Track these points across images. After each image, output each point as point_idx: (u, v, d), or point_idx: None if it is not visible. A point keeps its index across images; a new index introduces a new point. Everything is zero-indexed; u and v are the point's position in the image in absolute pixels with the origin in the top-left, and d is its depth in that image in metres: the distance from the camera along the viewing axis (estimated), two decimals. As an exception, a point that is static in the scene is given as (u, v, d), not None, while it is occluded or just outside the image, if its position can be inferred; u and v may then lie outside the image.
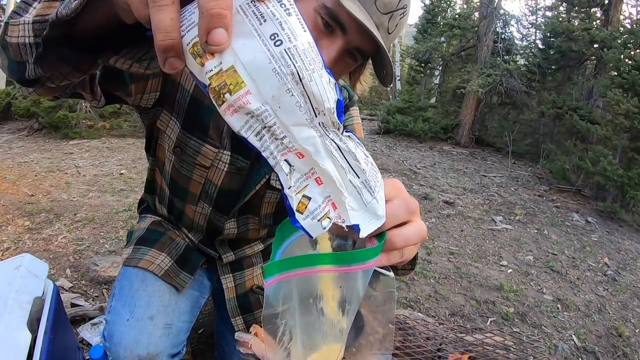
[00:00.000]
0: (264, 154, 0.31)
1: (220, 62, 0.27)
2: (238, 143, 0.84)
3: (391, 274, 0.45)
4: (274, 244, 0.39)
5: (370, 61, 0.75)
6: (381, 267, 0.42)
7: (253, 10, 0.27)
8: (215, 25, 0.26)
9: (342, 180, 0.34)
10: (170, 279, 0.98)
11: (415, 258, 0.56)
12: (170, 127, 0.85)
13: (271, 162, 0.32)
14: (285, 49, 0.27)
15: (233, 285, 1.10)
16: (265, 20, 0.27)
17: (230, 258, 1.07)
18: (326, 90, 0.30)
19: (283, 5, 0.28)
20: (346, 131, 0.34)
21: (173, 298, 0.97)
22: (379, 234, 0.38)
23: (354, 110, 0.98)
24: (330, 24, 0.65)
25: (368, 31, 0.63)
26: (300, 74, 0.28)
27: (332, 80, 0.31)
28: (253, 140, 0.30)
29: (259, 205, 0.97)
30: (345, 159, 0.34)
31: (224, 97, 0.28)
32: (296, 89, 0.28)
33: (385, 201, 0.38)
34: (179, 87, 0.80)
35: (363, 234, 0.35)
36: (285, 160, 0.32)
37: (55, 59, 0.42)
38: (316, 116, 0.30)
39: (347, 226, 0.35)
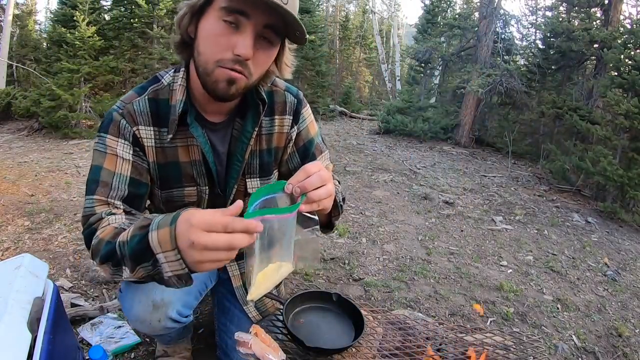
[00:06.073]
0: None
1: None
2: (210, 179, 0.98)
3: (315, 217, 0.73)
4: (249, 202, 0.63)
5: (289, 48, 0.87)
6: (309, 213, 0.71)
7: None
8: None
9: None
10: None
11: (336, 207, 0.91)
12: (154, 193, 1.00)
13: None
14: None
15: (238, 273, 1.18)
16: None
17: None
18: None
19: None
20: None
21: None
22: (303, 194, 0.68)
23: (305, 110, 1.06)
24: (233, 20, 0.72)
25: (266, 1, 0.68)
26: None
27: None
28: None
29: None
30: None
31: None
32: None
33: (308, 177, 0.69)
34: (149, 164, 0.93)
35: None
36: None
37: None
38: None
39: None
